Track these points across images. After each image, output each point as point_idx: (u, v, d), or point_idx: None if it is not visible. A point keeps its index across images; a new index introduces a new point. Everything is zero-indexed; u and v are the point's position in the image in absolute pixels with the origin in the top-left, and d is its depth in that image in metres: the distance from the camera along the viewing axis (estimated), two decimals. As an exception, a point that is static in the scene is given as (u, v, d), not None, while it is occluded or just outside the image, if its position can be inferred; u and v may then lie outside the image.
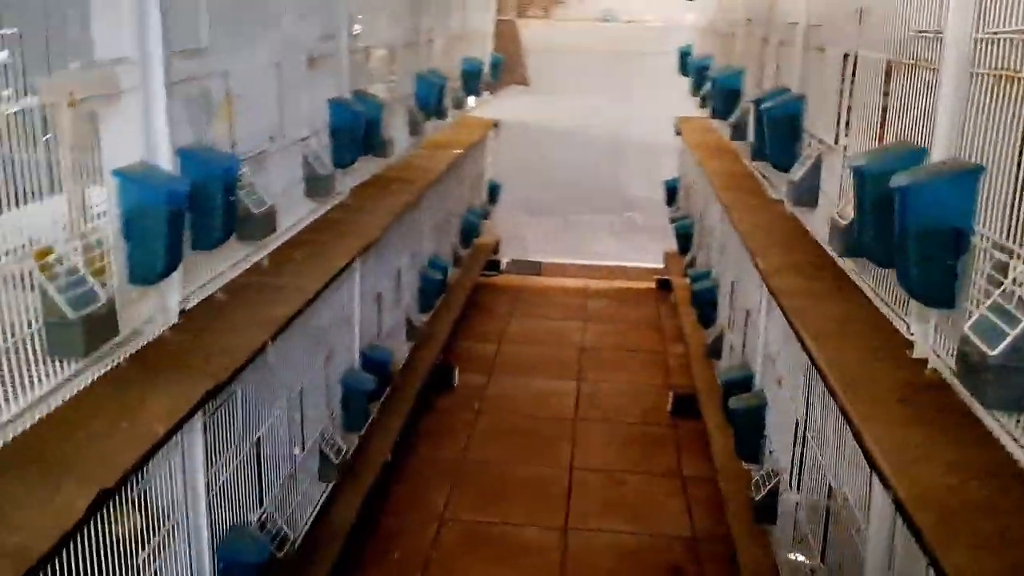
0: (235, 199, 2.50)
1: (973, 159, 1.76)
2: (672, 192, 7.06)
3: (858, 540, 2.16)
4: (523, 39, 7.71)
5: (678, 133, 6.94)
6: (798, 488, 2.87)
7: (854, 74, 2.60)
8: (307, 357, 3.26)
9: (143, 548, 2.13)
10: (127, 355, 2.13)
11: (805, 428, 2.77)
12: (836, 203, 2.62)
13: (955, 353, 1.70)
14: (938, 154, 1.90)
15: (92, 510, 1.68)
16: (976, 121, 1.78)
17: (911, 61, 2.12)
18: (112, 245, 2.07)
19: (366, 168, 4.08)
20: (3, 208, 1.73)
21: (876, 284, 2.35)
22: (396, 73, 4.53)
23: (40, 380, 1.83)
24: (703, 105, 5.56)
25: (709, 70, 5.63)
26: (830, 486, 2.46)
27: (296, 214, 3.27)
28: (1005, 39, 1.69)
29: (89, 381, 1.97)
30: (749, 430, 3.40)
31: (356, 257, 3.41)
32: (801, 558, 2.77)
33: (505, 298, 7.10)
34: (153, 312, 2.28)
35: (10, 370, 1.77)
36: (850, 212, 2.22)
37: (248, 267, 2.83)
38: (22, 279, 1.78)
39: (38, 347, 1.83)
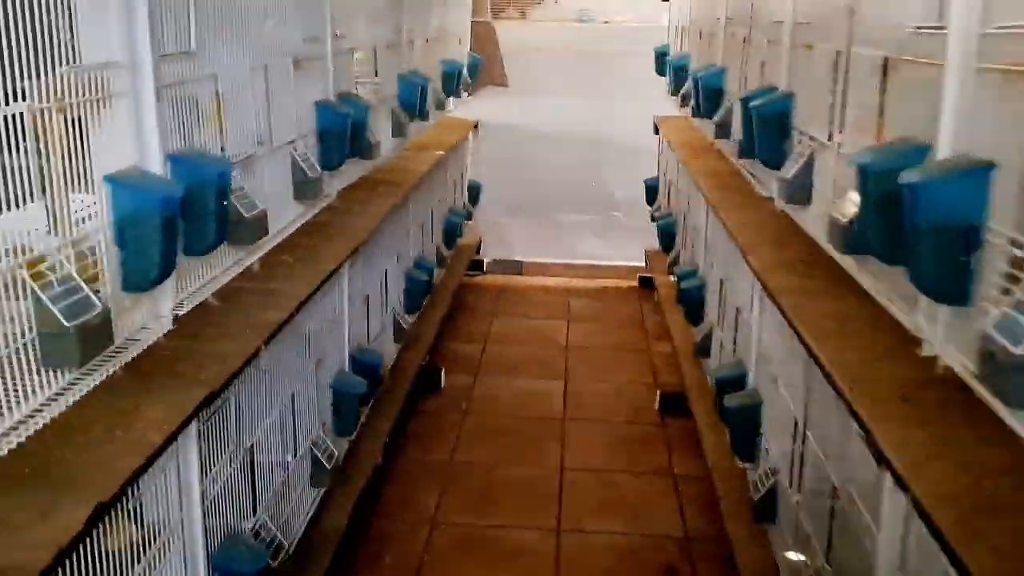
0: (228, 204, 2.46)
1: (980, 154, 1.75)
2: (652, 191, 7.07)
3: (867, 540, 2.15)
4: (500, 40, 7.69)
5: (657, 132, 6.95)
6: (798, 487, 2.87)
7: (847, 71, 2.59)
8: (299, 361, 3.22)
9: (139, 560, 2.09)
10: (122, 363, 2.08)
11: (805, 426, 2.77)
12: (831, 200, 2.62)
13: (973, 351, 1.69)
14: (943, 150, 1.90)
15: (90, 523, 1.65)
16: (983, 116, 1.77)
17: (910, 57, 2.12)
18: (105, 252, 2.03)
19: (352, 171, 4.05)
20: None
21: (878, 281, 2.35)
22: (379, 74, 4.49)
23: (34, 392, 1.79)
24: (684, 104, 5.57)
25: (688, 69, 5.65)
26: (834, 485, 2.46)
27: (285, 217, 3.24)
28: (1014, 34, 1.69)
29: (85, 391, 1.93)
30: (745, 428, 3.40)
31: (346, 260, 3.38)
32: (802, 558, 2.77)
33: (488, 298, 7.08)
34: (147, 319, 2.24)
35: (3, 382, 1.73)
36: (849, 209, 2.22)
37: (239, 272, 2.79)
38: (12, 287, 1.73)
39: (32, 358, 1.79)
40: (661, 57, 6.69)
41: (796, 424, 2.87)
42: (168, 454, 2.16)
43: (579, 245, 7.71)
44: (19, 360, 1.76)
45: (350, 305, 3.85)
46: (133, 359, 2.15)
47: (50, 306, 1.78)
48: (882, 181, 1.95)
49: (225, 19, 2.64)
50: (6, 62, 1.70)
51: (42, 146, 1.84)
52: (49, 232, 1.89)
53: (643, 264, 7.31)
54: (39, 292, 1.77)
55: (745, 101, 3.44)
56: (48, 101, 1.84)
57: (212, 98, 2.59)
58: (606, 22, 7.65)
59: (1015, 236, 1.65)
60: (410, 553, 3.73)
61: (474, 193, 7.40)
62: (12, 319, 1.76)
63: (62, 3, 1.89)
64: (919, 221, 1.75)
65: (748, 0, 4.13)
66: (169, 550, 2.24)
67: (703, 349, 4.68)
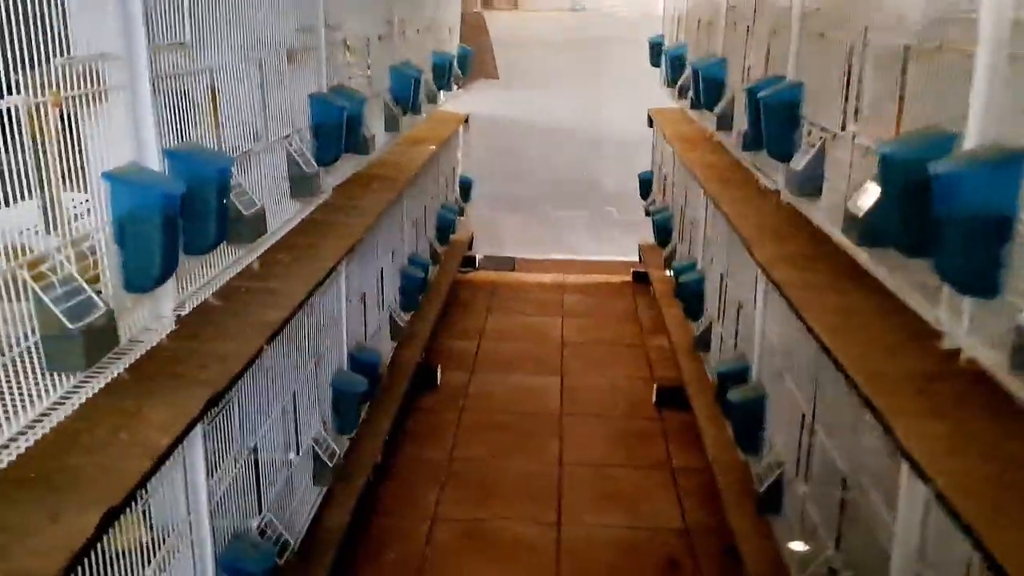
0: (228, 201, 2.42)
1: (1012, 143, 1.72)
2: (646, 184, 7.03)
3: (880, 530, 2.14)
4: (491, 31, 7.62)
5: (651, 124, 6.91)
6: (805, 478, 2.86)
7: (863, 59, 2.54)
8: (299, 360, 3.19)
9: (148, 562, 2.06)
10: (127, 365, 2.04)
11: (813, 418, 2.75)
12: (844, 192, 2.59)
13: (1000, 344, 1.67)
14: (971, 139, 1.87)
15: (101, 528, 1.62)
16: (1015, 105, 1.74)
17: (935, 44, 2.07)
18: (104, 251, 1.98)
19: (347, 166, 4.00)
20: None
21: (895, 274, 2.32)
22: (371, 67, 4.44)
23: (39, 397, 1.75)
24: (681, 96, 5.52)
25: (684, 60, 5.60)
26: (844, 478, 2.45)
27: (283, 215, 3.19)
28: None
29: (90, 395, 1.89)
30: (749, 421, 3.38)
31: (344, 257, 3.34)
32: (809, 547, 2.76)
33: (482, 295, 7.05)
34: (149, 319, 2.20)
35: (9, 388, 1.69)
36: (866, 201, 2.19)
37: (239, 270, 2.75)
38: (12, 288, 1.69)
39: (36, 362, 1.74)
40: (656, 47, 6.63)
41: (804, 416, 2.85)
42: (175, 456, 2.13)
43: (572, 240, 7.68)
44: (22, 364, 1.72)
45: (348, 303, 3.82)
46: (137, 361, 2.11)
47: (53, 308, 1.73)
48: (908, 171, 1.91)
49: (218, 9, 2.58)
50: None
51: (37, 142, 1.80)
52: (48, 232, 1.85)
53: (637, 259, 7.28)
54: (41, 294, 1.72)
55: (751, 92, 3.39)
56: (43, 95, 1.79)
57: (208, 91, 2.54)
58: (600, 12, 7.55)
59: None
60: (412, 550, 3.72)
61: (465, 188, 7.35)
62: (13, 322, 1.71)
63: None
64: (950, 212, 1.72)
65: None
66: (178, 551, 2.21)
67: (703, 343, 4.66)
